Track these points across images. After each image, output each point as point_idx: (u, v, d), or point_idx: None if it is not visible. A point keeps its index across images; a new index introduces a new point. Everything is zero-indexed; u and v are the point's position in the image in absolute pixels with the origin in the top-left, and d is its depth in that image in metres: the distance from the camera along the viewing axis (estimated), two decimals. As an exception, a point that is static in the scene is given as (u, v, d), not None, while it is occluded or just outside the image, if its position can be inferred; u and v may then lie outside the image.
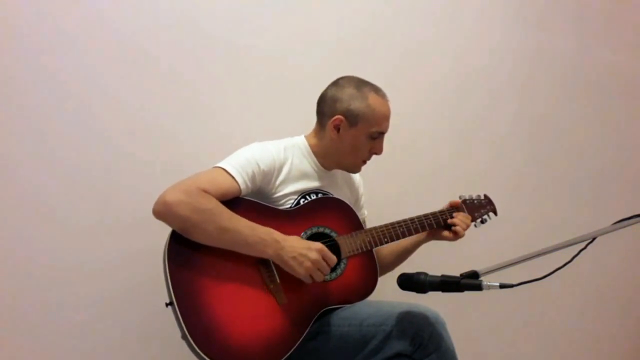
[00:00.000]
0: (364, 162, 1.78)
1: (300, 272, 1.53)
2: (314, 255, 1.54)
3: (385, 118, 1.73)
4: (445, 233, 1.80)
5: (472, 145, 2.49)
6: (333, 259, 1.58)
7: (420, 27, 2.40)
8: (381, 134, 1.74)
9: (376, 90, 1.73)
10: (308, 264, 1.53)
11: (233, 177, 1.57)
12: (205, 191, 1.51)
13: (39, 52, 1.83)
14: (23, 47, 1.82)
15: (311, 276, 1.55)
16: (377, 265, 1.72)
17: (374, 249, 1.72)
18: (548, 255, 1.35)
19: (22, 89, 1.82)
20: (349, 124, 1.70)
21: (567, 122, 2.68)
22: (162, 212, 1.48)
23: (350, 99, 1.69)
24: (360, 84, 1.73)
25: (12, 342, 1.78)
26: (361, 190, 1.94)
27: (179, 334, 1.48)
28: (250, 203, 1.61)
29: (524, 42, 2.59)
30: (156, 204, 1.49)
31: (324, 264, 1.55)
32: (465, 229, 1.79)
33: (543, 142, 2.64)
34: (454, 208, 1.85)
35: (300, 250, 1.54)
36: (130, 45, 1.94)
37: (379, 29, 2.32)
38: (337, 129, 1.71)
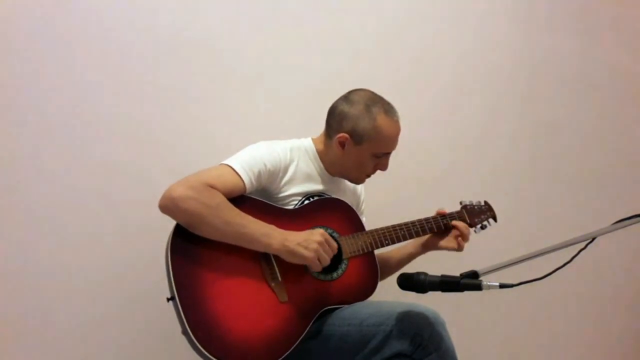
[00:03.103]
0: (368, 176, 1.79)
1: (308, 255, 1.53)
2: (317, 237, 1.55)
3: (392, 140, 1.72)
4: (442, 243, 1.80)
5: (474, 145, 2.49)
6: (334, 244, 1.59)
7: (423, 30, 2.40)
8: (386, 154, 1.74)
9: (386, 110, 1.70)
10: (314, 245, 1.53)
11: (239, 175, 1.57)
12: (212, 187, 1.51)
13: (37, 57, 1.83)
14: (21, 52, 1.82)
15: (318, 259, 1.55)
16: (378, 267, 1.72)
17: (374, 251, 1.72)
18: (548, 255, 1.35)
19: (21, 94, 1.82)
20: (354, 143, 1.69)
21: (567, 122, 2.68)
22: (168, 206, 1.49)
23: (357, 119, 1.68)
24: (371, 103, 1.70)
25: (13, 342, 1.79)
26: (362, 197, 1.94)
27: (179, 330, 1.48)
28: (254, 201, 1.62)
29: (527, 44, 2.59)
30: (162, 198, 1.50)
31: (327, 247, 1.56)
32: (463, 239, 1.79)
33: (543, 142, 2.64)
34: (454, 213, 1.85)
35: (304, 236, 1.55)
36: (135, 47, 1.94)
37: (380, 33, 2.32)
38: (342, 145, 1.71)
